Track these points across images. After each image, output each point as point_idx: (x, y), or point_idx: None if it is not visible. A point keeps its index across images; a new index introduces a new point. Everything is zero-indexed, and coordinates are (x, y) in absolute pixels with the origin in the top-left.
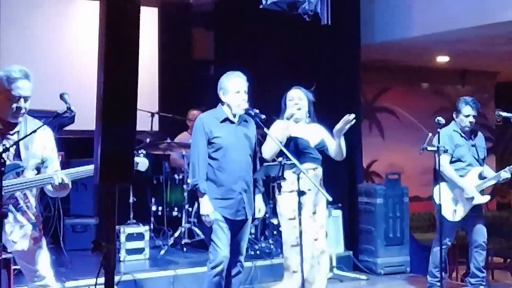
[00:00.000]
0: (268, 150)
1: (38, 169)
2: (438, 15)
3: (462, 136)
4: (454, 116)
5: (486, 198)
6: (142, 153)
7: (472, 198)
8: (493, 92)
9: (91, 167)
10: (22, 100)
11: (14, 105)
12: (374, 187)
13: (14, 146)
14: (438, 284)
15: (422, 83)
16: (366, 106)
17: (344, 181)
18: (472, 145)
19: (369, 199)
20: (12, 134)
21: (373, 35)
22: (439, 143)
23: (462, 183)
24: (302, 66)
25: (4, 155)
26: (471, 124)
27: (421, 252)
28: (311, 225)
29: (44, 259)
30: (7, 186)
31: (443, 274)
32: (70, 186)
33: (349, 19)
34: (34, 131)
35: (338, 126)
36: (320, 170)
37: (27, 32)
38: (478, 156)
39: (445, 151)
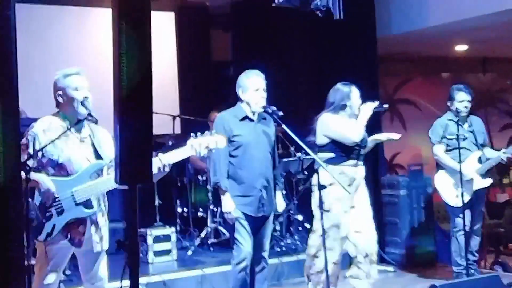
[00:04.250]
0: (355, 131)
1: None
2: (454, 3)
3: (457, 124)
4: (449, 104)
5: (488, 181)
6: (215, 132)
7: (472, 181)
8: None
9: (184, 149)
10: (85, 90)
11: (80, 94)
12: (397, 179)
13: (92, 149)
14: (464, 272)
15: (443, 73)
16: (387, 99)
17: (367, 175)
18: (470, 131)
19: (393, 191)
20: (85, 138)
21: (389, 27)
22: (458, 131)
23: (460, 167)
24: (320, 62)
25: (83, 156)
26: (467, 109)
27: (449, 242)
28: (346, 219)
29: (105, 261)
30: (94, 184)
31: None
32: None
33: (363, 13)
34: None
35: (379, 137)
36: (363, 167)
37: (48, 42)
38: (477, 141)
39: (441, 140)
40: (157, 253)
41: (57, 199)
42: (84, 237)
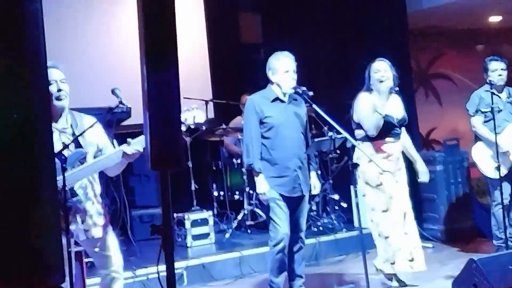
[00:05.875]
0: (371, 124)
1: (95, 157)
2: None
3: (495, 95)
4: (485, 77)
5: None
6: (195, 107)
7: (509, 152)
8: None
9: None
10: (58, 82)
11: (54, 87)
12: (433, 154)
13: (72, 138)
14: (504, 245)
15: (477, 45)
16: (421, 74)
17: (402, 151)
18: (509, 102)
19: (429, 167)
20: (66, 128)
21: (420, 2)
22: (492, 102)
23: (496, 138)
24: (351, 42)
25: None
26: (501, 78)
27: (488, 216)
28: (397, 191)
29: (113, 245)
30: (79, 171)
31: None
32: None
33: None
34: (91, 126)
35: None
36: (400, 143)
37: (78, 31)
38: None
39: (476, 112)
40: (195, 237)
41: None
42: (72, 226)
